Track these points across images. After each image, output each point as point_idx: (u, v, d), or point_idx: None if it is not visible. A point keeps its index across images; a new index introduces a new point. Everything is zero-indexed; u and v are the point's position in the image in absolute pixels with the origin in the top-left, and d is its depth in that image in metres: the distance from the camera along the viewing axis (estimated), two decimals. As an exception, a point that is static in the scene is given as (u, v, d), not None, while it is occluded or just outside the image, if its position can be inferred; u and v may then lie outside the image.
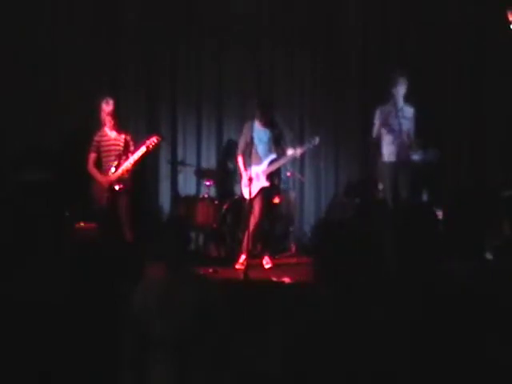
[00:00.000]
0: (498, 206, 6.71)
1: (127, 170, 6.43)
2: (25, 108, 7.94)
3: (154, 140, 6.49)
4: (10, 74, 7.92)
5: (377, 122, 6.62)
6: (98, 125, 6.62)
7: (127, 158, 6.46)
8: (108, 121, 6.47)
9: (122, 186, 6.44)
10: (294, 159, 7.02)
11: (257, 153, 6.59)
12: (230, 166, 7.93)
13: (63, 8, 8.09)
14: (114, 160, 6.48)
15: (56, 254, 4.51)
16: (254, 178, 6.42)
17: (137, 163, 6.47)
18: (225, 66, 8.30)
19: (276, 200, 6.93)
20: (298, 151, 6.63)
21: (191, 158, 8.29)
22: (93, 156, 6.55)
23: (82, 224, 6.37)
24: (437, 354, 2.13)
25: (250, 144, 6.51)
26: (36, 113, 8.00)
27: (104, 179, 6.44)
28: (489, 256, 5.26)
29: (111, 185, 6.41)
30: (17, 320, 3.38)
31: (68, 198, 6.78)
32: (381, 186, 6.88)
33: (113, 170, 6.44)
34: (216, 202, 7.49)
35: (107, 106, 6.45)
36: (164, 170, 8.22)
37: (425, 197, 7.24)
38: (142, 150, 6.43)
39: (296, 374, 2.07)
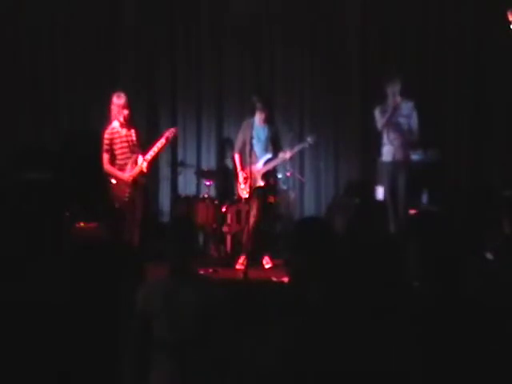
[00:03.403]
0: (499, 206, 6.72)
1: (148, 163, 6.32)
2: (25, 108, 7.96)
3: (172, 131, 6.46)
4: (10, 74, 7.94)
5: (378, 118, 6.49)
6: (106, 121, 6.37)
7: (138, 151, 6.34)
8: (120, 114, 6.24)
9: (143, 180, 6.35)
10: (286, 161, 7.00)
11: (254, 152, 6.58)
12: (230, 165, 7.93)
13: (64, 8, 8.10)
14: (130, 156, 6.31)
15: (56, 253, 4.52)
16: (250, 178, 6.43)
17: (156, 155, 6.43)
18: (225, 65, 8.30)
19: (271, 199, 6.93)
20: (288, 154, 6.61)
21: (191, 159, 8.29)
22: (107, 156, 6.29)
23: (81, 224, 6.36)
24: (437, 354, 2.13)
25: (249, 142, 6.49)
26: (36, 113, 8.02)
27: (125, 176, 6.25)
28: (489, 256, 5.25)
29: (134, 180, 6.27)
30: (17, 320, 3.38)
31: (68, 198, 6.77)
32: (379, 189, 6.85)
33: (142, 163, 6.30)
34: (216, 202, 7.49)
35: (118, 99, 6.24)
36: (164, 170, 8.22)
37: (425, 197, 7.23)
38: (162, 141, 6.38)
39: (296, 374, 2.07)
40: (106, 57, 8.15)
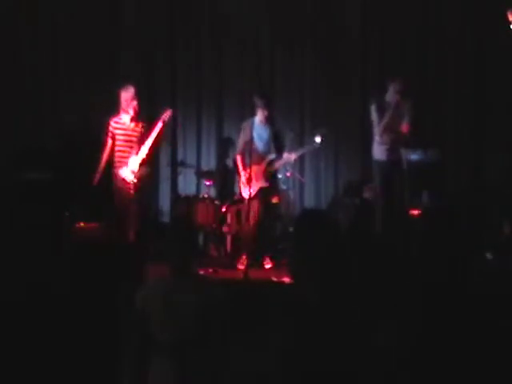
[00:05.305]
0: (499, 206, 6.71)
1: (147, 155, 6.27)
2: (25, 108, 7.96)
3: (168, 113, 6.43)
4: (11, 74, 7.94)
5: (374, 118, 6.46)
6: (106, 121, 6.35)
7: (138, 148, 6.29)
8: (130, 106, 6.21)
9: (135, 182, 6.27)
10: (291, 162, 6.99)
11: (257, 151, 6.53)
12: (230, 165, 7.93)
13: (64, 8, 8.09)
14: (129, 152, 6.27)
15: (56, 253, 4.51)
16: (252, 178, 6.41)
17: (156, 141, 6.37)
18: (225, 65, 8.30)
19: (275, 200, 6.92)
20: (293, 156, 6.62)
21: (191, 159, 8.29)
22: (111, 142, 6.24)
23: (81, 224, 6.35)
24: (436, 353, 2.13)
25: (250, 142, 6.46)
26: (36, 113, 8.02)
27: (97, 179, 6.21)
28: (489, 256, 5.25)
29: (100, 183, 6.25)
30: (17, 320, 3.38)
31: (68, 198, 6.77)
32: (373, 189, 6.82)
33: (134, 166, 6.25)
34: (216, 202, 7.49)
35: (126, 93, 6.23)
36: (164, 170, 8.22)
37: (425, 197, 7.22)
38: (159, 125, 6.33)
39: (296, 374, 2.07)
40: (106, 57, 8.15)
